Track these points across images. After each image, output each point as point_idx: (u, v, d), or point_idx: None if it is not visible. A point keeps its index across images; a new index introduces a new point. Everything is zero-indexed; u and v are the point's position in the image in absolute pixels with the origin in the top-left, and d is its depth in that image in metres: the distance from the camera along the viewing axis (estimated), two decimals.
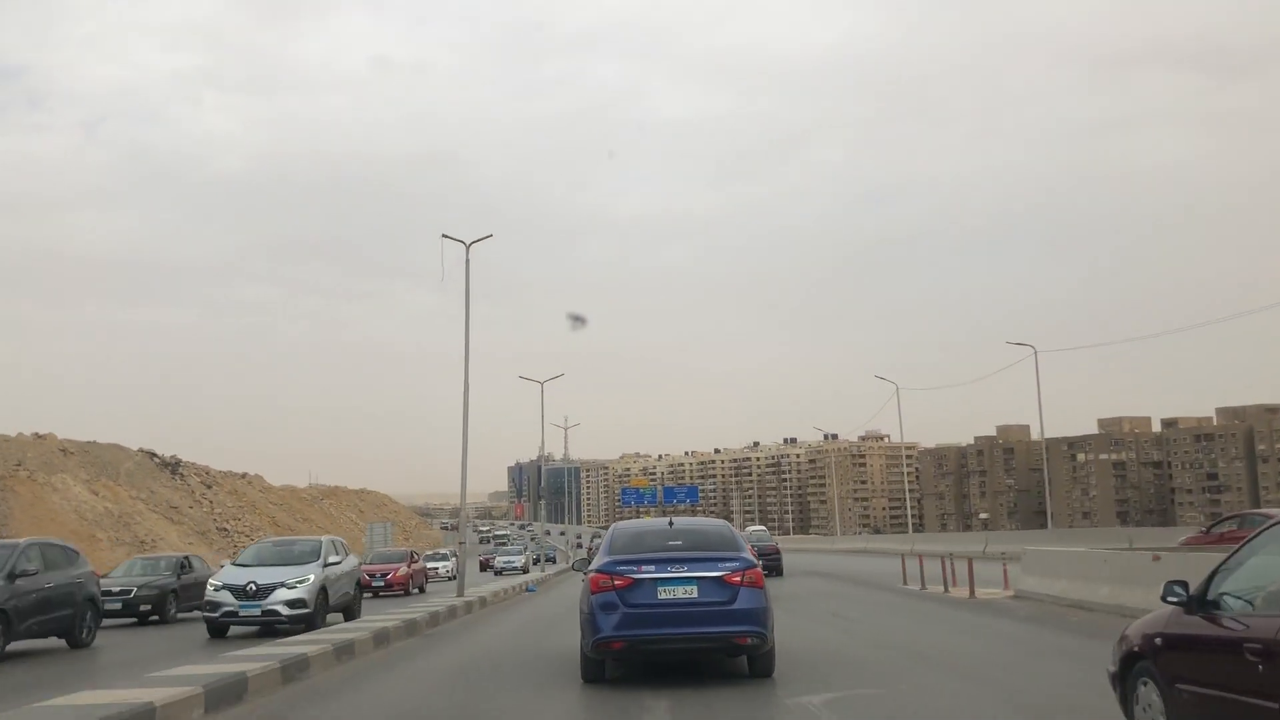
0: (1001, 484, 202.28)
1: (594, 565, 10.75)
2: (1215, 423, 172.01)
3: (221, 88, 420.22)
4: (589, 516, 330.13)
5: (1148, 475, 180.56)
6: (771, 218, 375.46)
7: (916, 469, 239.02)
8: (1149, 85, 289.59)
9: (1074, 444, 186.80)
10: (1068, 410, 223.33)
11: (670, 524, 11.31)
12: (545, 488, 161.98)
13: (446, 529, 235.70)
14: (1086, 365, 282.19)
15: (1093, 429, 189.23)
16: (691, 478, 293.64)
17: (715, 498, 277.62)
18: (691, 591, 10.00)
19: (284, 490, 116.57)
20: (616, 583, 10.10)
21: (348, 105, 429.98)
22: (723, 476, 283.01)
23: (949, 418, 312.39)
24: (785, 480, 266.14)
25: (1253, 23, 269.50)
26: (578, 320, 61.06)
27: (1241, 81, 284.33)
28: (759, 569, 10.37)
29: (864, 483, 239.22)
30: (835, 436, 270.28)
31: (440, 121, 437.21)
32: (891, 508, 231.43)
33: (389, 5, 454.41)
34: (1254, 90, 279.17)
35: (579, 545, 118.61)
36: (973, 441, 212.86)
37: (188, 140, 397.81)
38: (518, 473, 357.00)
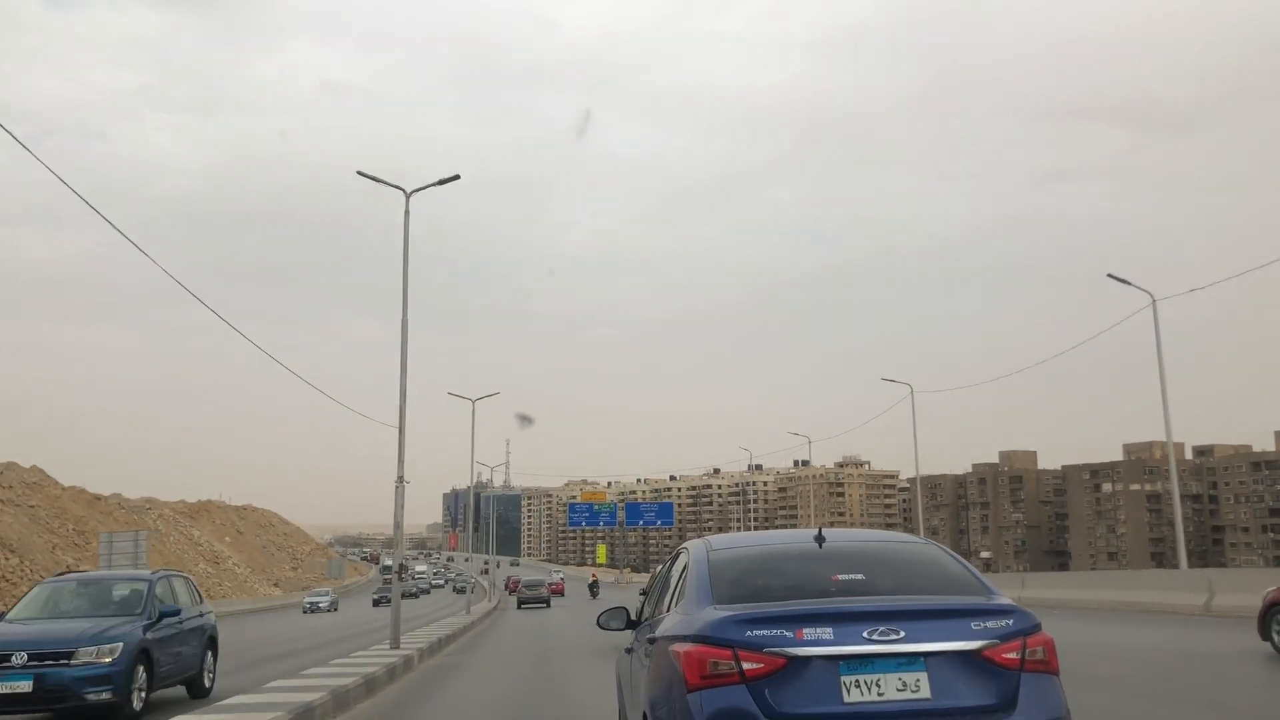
0: (1007, 518, 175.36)
1: (677, 625, 5.20)
2: (1278, 449, 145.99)
3: (167, 108, 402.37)
4: (529, 549, 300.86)
5: (1186, 510, 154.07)
6: (720, 254, 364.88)
7: (905, 500, 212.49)
8: (1086, 138, 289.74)
9: (1098, 472, 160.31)
10: (1080, 434, 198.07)
11: (821, 541, 5.60)
12: (472, 513, 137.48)
13: (365, 559, 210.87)
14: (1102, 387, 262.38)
15: (1117, 455, 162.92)
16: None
17: (671, 531, 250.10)
18: (917, 684, 4.59)
19: (111, 500, 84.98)
20: (748, 667, 4.61)
21: (295, 129, 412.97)
22: (680, 505, 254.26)
23: (937, 444, 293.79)
24: (751, 510, 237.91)
25: (1188, 80, 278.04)
26: (525, 420, 60.96)
27: (1175, 139, 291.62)
28: (1047, 634, 4.87)
29: (841, 514, 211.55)
30: (807, 463, 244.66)
31: (389, 149, 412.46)
32: None
33: (340, 30, 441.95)
34: (1187, 148, 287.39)
35: (484, 572, 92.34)
36: (971, 469, 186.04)
37: (131, 160, 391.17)
38: (453, 500, 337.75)
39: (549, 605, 52.90)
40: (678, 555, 6.28)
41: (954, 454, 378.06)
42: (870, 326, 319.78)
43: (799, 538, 5.85)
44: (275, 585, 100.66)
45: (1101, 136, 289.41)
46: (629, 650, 6.67)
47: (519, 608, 52.28)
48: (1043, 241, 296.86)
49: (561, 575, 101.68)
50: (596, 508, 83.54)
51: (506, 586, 76.30)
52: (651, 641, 5.57)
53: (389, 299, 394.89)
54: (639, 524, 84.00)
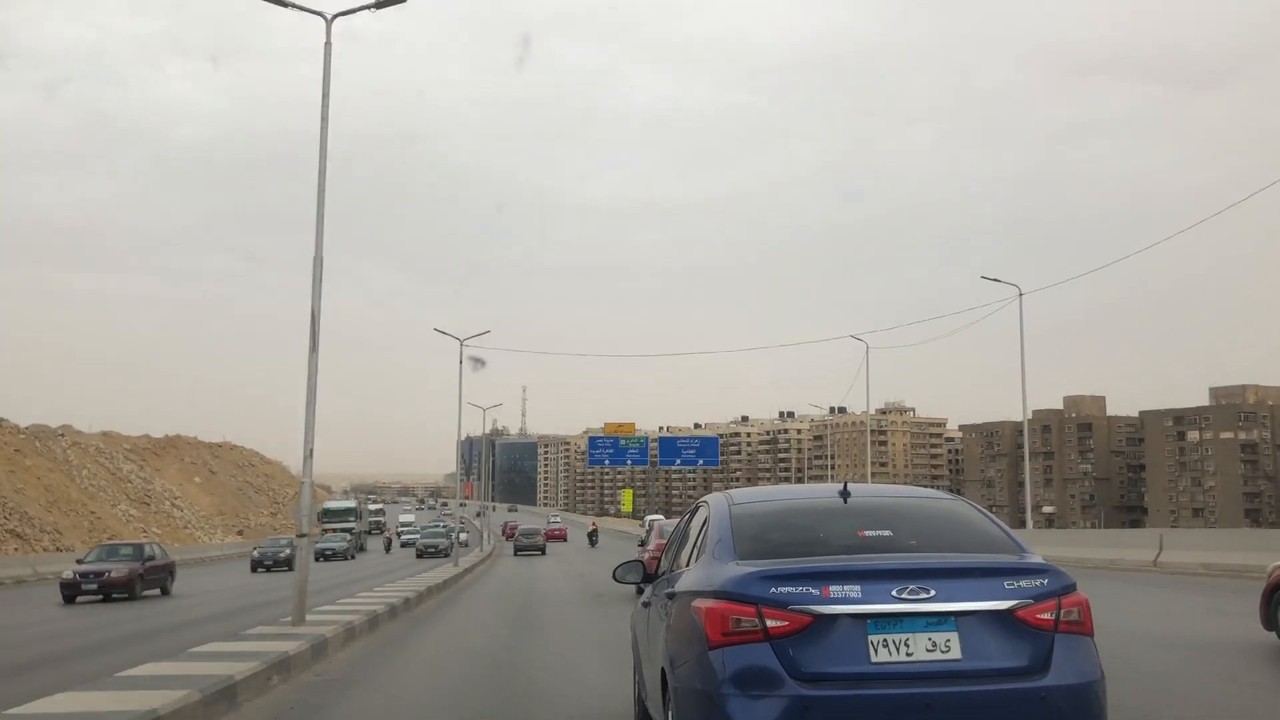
0: (1073, 469, 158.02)
1: (697, 581, 5.04)
2: None
3: (185, 54, 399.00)
4: (546, 498, 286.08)
5: None
6: (740, 209, 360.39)
7: (957, 450, 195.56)
8: (1112, 93, 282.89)
9: (1182, 418, 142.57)
10: (1155, 378, 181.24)
11: (846, 496, 5.42)
12: (481, 459, 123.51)
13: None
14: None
15: (1203, 400, 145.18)
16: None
17: (695, 481, 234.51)
18: (947, 644, 4.45)
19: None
20: (772, 625, 4.45)
21: (313, 77, 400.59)
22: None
23: (990, 390, 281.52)
24: (783, 460, 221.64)
25: (1217, 36, 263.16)
26: (478, 363, 59.74)
27: (1203, 94, 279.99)
28: (1082, 594, 4.75)
29: (884, 465, 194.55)
30: (843, 410, 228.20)
31: (407, 97, 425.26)
32: None
33: None
34: (1215, 104, 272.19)
35: (478, 515, 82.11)
36: (1032, 416, 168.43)
37: (150, 106, 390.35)
38: (467, 448, 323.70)
39: (544, 552, 53.29)
40: (697, 508, 6.21)
41: (1011, 400, 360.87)
42: (894, 279, 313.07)
43: (824, 492, 5.69)
44: (239, 533, 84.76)
45: (1125, 91, 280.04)
46: (646, 604, 6.45)
47: (515, 554, 52.70)
48: (1065, 194, 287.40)
49: (560, 520, 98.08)
50: (623, 443, 66.96)
51: (504, 533, 75.20)
52: (671, 597, 5.42)
53: (412, 248, 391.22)
54: (675, 462, 67.51)
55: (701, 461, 66.93)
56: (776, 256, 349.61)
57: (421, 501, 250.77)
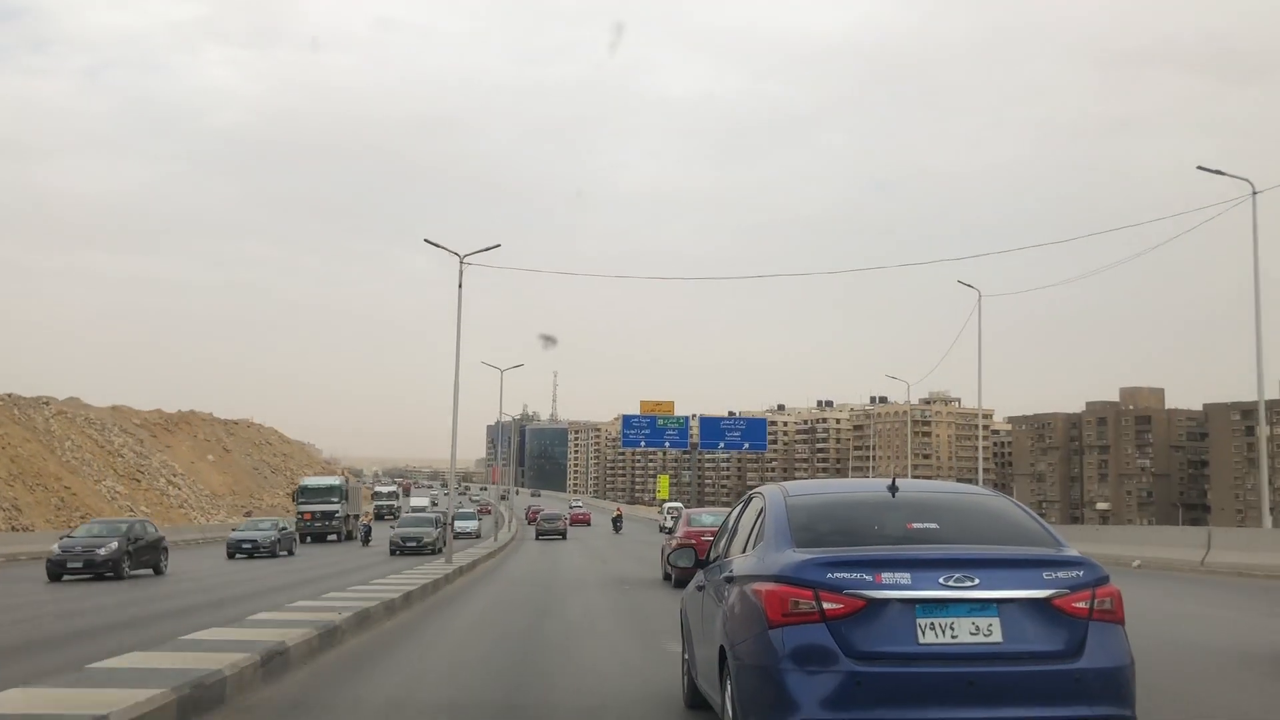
0: (1130, 464, 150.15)
1: (756, 566, 5.57)
2: None
3: (224, 40, 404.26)
4: (575, 484, 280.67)
5: None
6: (773, 199, 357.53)
7: (1006, 443, 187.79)
8: (1156, 86, 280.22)
9: (1250, 413, 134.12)
10: (1217, 371, 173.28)
11: (894, 490, 5.90)
12: (504, 441, 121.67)
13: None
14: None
15: (1273, 394, 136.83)
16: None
17: (729, 470, 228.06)
18: (989, 628, 4.93)
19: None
20: (828, 607, 4.94)
21: (350, 65, 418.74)
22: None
23: (1039, 380, 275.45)
24: (821, 449, 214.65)
25: (1261, 26, 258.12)
26: (549, 340, 63.88)
27: (1247, 86, 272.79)
28: (1114, 586, 5.21)
29: (927, 457, 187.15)
30: (884, 399, 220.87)
31: (443, 86, 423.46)
32: None
33: None
34: (1257, 96, 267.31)
35: (502, 498, 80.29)
36: (1085, 408, 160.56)
37: (189, 91, 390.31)
38: (497, 433, 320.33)
39: (565, 537, 54.59)
40: (750, 499, 6.76)
41: (1062, 391, 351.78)
42: (931, 273, 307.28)
43: (873, 486, 6.21)
44: (247, 514, 79.22)
45: (1171, 83, 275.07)
46: (700, 588, 6.92)
47: (537, 539, 53.76)
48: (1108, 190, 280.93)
49: (582, 505, 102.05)
50: (661, 423, 60.62)
51: (526, 517, 77.24)
52: (729, 581, 5.87)
53: (443, 233, 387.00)
54: (718, 445, 61.09)
55: (747, 445, 60.55)
56: (808, 248, 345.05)
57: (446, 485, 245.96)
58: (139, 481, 60.71)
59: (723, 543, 6.92)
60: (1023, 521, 5.61)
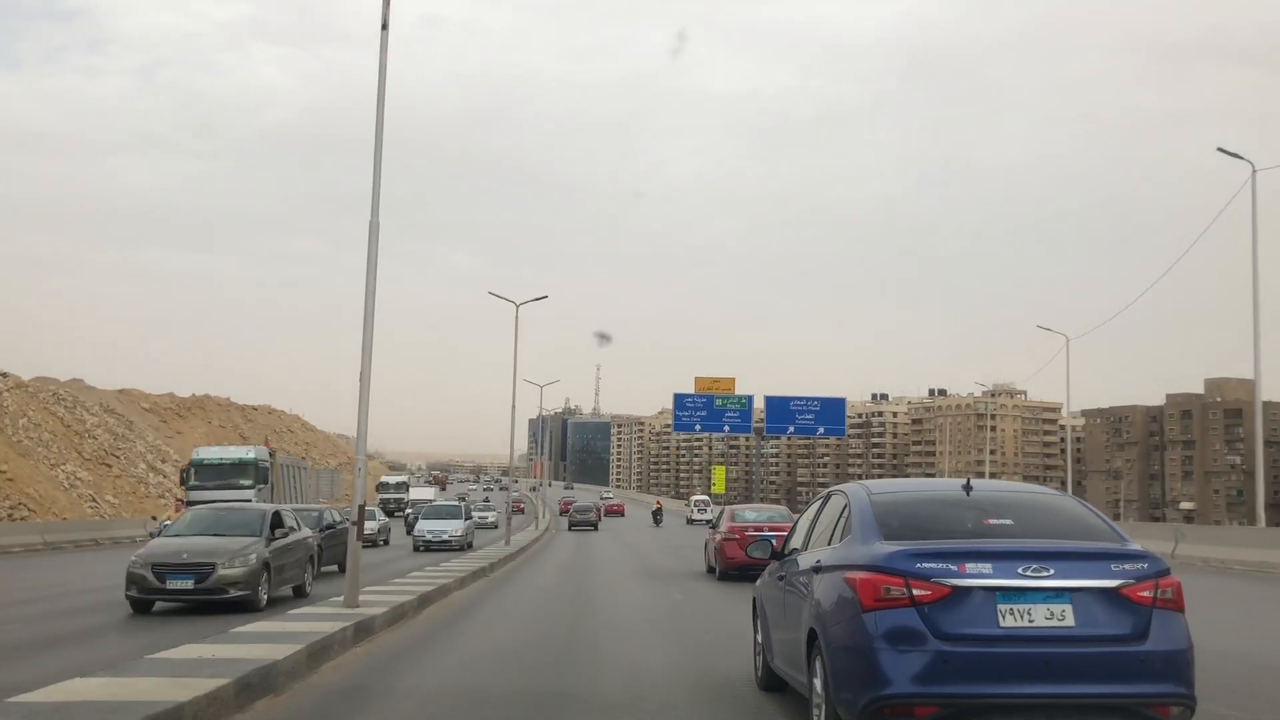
0: (1218, 461, 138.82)
1: (847, 557, 6.20)
2: None
3: (271, 39, 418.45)
4: (618, 478, 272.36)
5: None
6: (820, 197, 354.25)
7: (1078, 438, 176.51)
8: (1208, 79, 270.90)
9: None
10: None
11: (969, 489, 6.53)
12: (544, 437, 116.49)
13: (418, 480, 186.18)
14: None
15: None
16: (747, 442, 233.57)
17: (778, 467, 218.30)
18: (1063, 614, 5.57)
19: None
20: (917, 593, 5.60)
21: (395, 62, 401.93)
22: (791, 442, 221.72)
23: (1114, 372, 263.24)
24: (877, 445, 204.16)
25: None
26: (604, 338, 53.31)
27: None
28: (1175, 577, 5.84)
29: (992, 452, 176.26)
30: (943, 392, 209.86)
31: (487, 83, 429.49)
32: None
33: None
34: None
35: (533, 490, 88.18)
36: (1166, 400, 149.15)
37: (238, 90, 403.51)
38: (539, 427, 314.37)
39: (597, 529, 55.57)
40: (829, 496, 7.44)
41: (1137, 384, 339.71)
42: (992, 267, 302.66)
43: (949, 485, 6.79)
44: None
45: (1224, 77, 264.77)
46: (781, 578, 7.55)
47: (570, 529, 55.61)
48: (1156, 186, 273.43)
49: (614, 496, 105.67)
50: (720, 402, 51.50)
51: (560, 508, 78.92)
52: (816, 570, 6.49)
53: (487, 233, 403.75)
54: (787, 431, 51.93)
55: (822, 429, 51.26)
56: (855, 244, 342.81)
57: (495, 480, 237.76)
58: (109, 467, 52.67)
59: (801, 535, 7.63)
60: (1088, 519, 6.25)
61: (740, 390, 51.85)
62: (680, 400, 52.25)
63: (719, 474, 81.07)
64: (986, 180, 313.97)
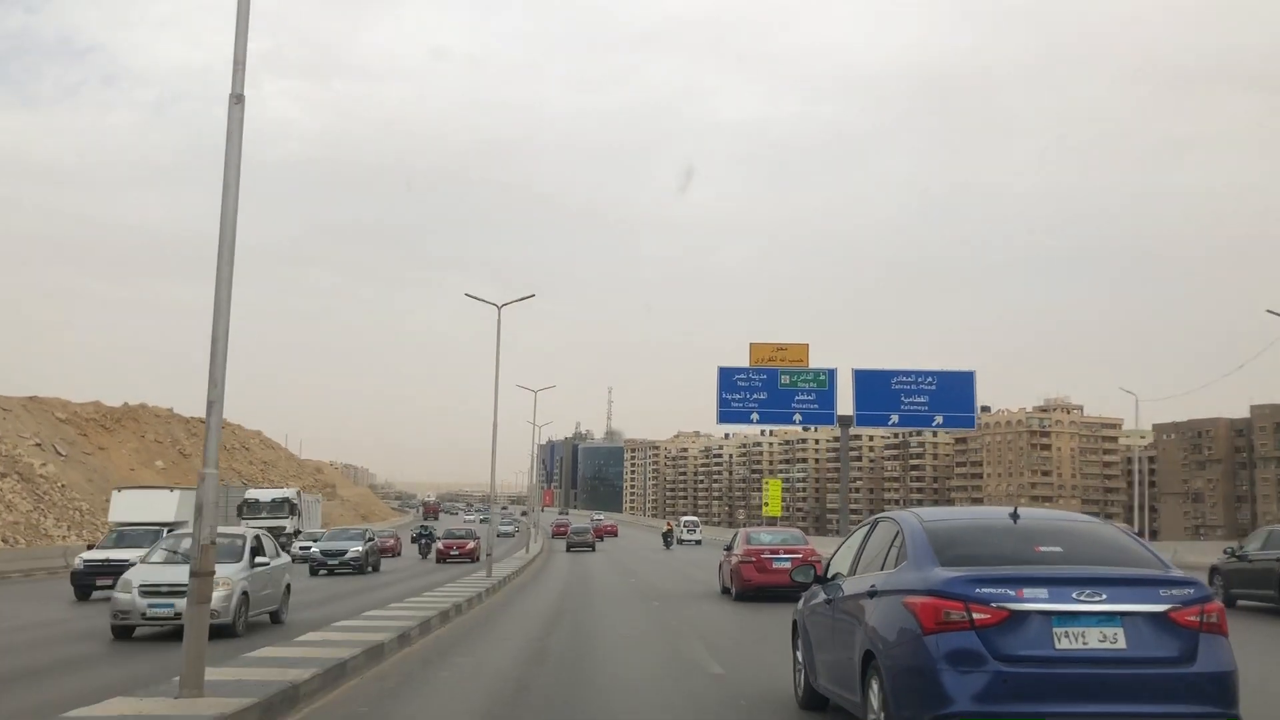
0: None
1: (905, 582, 6.47)
2: None
3: (283, 73, 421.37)
4: (632, 504, 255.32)
5: None
6: (831, 223, 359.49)
7: (1150, 457, 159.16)
8: (1217, 105, 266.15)
9: None
10: None
11: (1015, 517, 6.85)
12: (555, 464, 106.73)
13: (402, 508, 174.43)
14: None
15: None
16: (774, 461, 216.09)
17: (805, 490, 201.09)
18: (1115, 637, 5.87)
19: None
20: (977, 617, 5.89)
21: (408, 95, 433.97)
22: (817, 461, 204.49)
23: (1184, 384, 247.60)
24: (915, 467, 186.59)
25: None
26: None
27: None
28: (1220, 602, 6.22)
29: (1046, 474, 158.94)
30: (987, 408, 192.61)
31: (500, 114, 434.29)
32: (1087, 511, 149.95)
33: None
34: None
35: (524, 514, 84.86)
36: (1249, 413, 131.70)
37: (252, 123, 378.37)
38: (549, 453, 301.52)
39: (594, 549, 57.20)
40: (877, 523, 7.69)
41: (1212, 396, 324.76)
42: (990, 297, 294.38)
43: (997, 514, 6.95)
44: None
45: (1235, 103, 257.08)
46: (828, 601, 7.78)
47: (568, 550, 55.93)
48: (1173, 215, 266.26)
49: (604, 518, 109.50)
50: (786, 379, 35.07)
51: (552, 533, 79.88)
52: (871, 594, 6.69)
53: (499, 262, 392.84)
54: (888, 420, 35.20)
55: (940, 419, 34.68)
56: (867, 273, 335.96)
57: (504, 508, 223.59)
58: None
59: (848, 561, 7.83)
60: (1132, 546, 6.56)
61: (815, 363, 35.33)
62: (726, 378, 35.55)
63: (774, 489, 62.65)
64: (994, 207, 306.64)
